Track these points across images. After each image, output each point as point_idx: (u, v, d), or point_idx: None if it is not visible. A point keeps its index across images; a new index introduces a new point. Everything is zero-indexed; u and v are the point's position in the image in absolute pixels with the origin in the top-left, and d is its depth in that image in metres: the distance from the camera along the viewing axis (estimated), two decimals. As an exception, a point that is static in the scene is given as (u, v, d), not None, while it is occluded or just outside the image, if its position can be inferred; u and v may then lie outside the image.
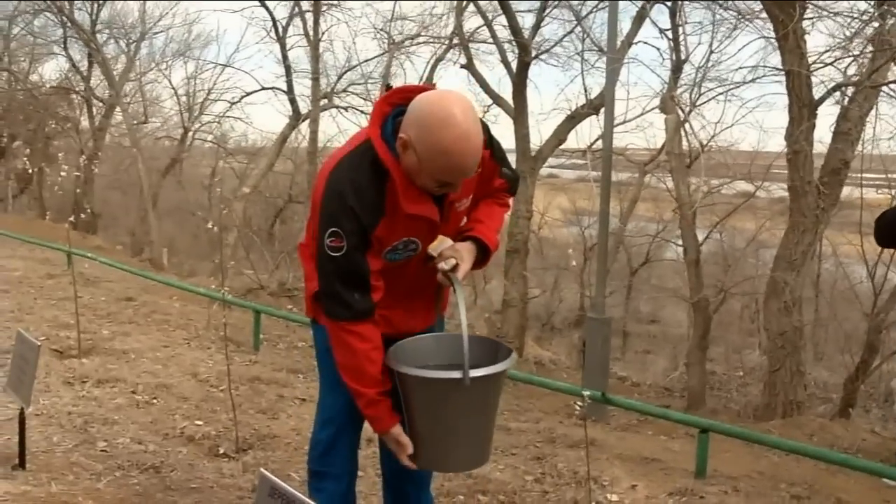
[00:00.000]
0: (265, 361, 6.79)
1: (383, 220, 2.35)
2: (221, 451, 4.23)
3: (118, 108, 20.74)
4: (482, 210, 2.62)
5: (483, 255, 2.56)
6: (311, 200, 2.52)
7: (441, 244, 2.51)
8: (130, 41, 21.08)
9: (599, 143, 8.62)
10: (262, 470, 2.08)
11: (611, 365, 9.38)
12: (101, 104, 21.31)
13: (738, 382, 10.76)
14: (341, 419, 2.61)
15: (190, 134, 22.15)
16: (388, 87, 2.43)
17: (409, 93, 2.36)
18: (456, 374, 2.28)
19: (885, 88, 7.92)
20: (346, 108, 17.65)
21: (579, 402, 3.10)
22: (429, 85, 2.37)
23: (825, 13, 8.23)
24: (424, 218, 2.40)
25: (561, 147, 12.26)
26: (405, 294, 2.58)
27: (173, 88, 22.28)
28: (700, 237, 10.32)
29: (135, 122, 21.11)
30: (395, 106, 2.39)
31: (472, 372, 2.28)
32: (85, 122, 21.67)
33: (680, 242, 10.55)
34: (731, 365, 12.00)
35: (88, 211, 14.60)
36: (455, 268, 2.46)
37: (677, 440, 6.39)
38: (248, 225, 19.14)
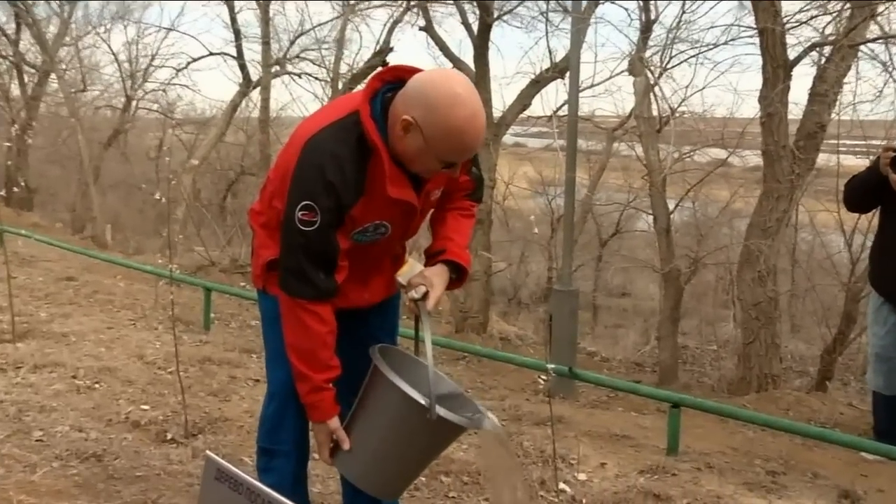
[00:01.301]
0: (216, 341, 6.74)
1: (361, 200, 2.35)
2: (169, 436, 4.18)
3: (53, 75, 20.27)
4: (450, 225, 2.64)
5: (458, 275, 2.58)
6: (276, 165, 2.50)
7: (411, 271, 2.54)
8: (63, 2, 20.52)
9: (565, 109, 8.59)
10: (207, 452, 2.05)
11: (579, 340, 9.42)
12: (33, 71, 20.78)
13: (711, 356, 10.87)
14: (289, 392, 2.59)
15: (133, 103, 21.70)
16: (384, 64, 2.44)
17: (403, 72, 2.36)
18: (422, 401, 2.30)
19: (864, 48, 7.95)
20: (299, 75, 17.42)
21: (543, 377, 3.09)
22: (418, 68, 2.36)
23: (800, -32, 8.23)
24: (404, 203, 2.41)
25: (525, 113, 12.23)
26: (364, 271, 2.58)
27: (113, 54, 21.85)
28: (671, 206, 10.36)
29: (72, 90, 20.63)
30: (385, 83, 2.38)
31: (442, 411, 2.31)
32: (16, 90, 21.11)
33: (650, 212, 10.59)
34: (705, 338, 12.12)
35: (23, 185, 14.30)
36: (425, 296, 2.47)
37: (648, 416, 6.45)
38: (198, 199, 18.91)
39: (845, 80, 7.80)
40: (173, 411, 4.49)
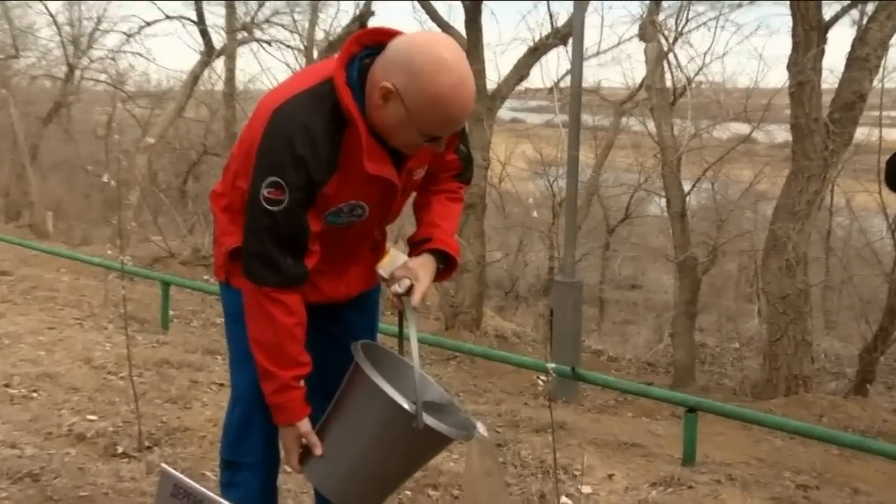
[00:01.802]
0: (175, 342, 6.72)
1: (335, 177, 2.33)
2: (120, 449, 4.16)
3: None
4: (436, 210, 2.63)
5: (446, 265, 2.57)
6: (241, 140, 2.48)
7: (393, 261, 2.52)
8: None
9: (568, 80, 8.59)
10: (163, 465, 2.03)
11: (584, 337, 9.45)
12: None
13: (733, 356, 10.91)
14: (255, 397, 2.57)
15: (77, 73, 21.34)
16: (363, 26, 2.40)
17: (384, 35, 2.33)
18: (408, 407, 2.30)
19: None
20: (269, 43, 17.37)
21: (543, 378, 3.08)
22: (400, 30, 2.33)
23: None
24: (383, 180, 2.39)
25: (523, 85, 12.22)
26: (339, 260, 2.58)
27: (51, 15, 21.63)
28: (686, 187, 10.37)
29: (1, 56, 20.41)
30: (364, 47, 2.35)
31: (430, 420, 2.31)
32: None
33: (663, 194, 10.60)
34: (725, 335, 12.16)
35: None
36: (410, 290, 2.46)
37: (661, 423, 6.47)
38: (154, 182, 18.85)
39: (891, 41, 7.72)
40: (125, 421, 4.45)
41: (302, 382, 2.46)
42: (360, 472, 2.47)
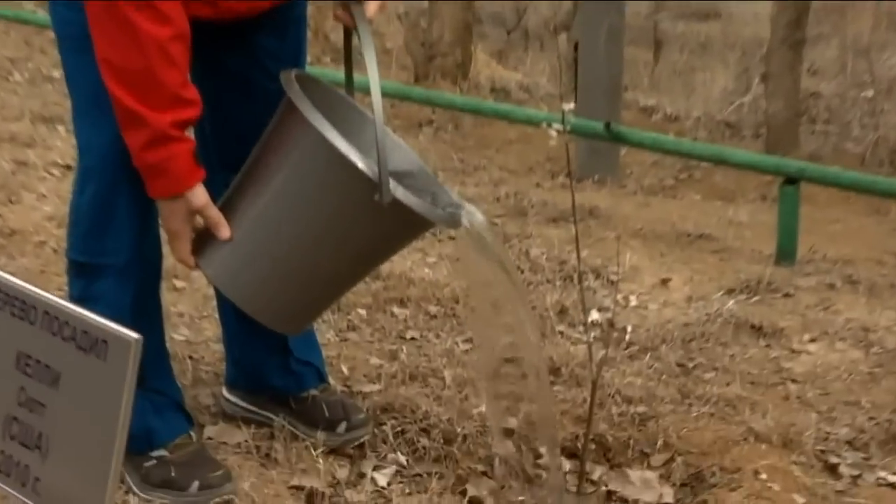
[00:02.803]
0: (-11, 105, 6.72)
1: None
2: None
3: None
4: None
5: None
6: None
7: None
8: None
9: None
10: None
11: (628, 87, 9.40)
12: None
13: (863, 109, 10.84)
14: (116, 163, 2.57)
15: None
16: None
17: None
18: (368, 172, 2.31)
19: None
20: None
21: (555, 128, 3.07)
22: None
23: None
24: None
25: None
26: None
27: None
28: None
29: None
30: None
31: (400, 192, 2.33)
32: None
33: None
34: (852, 78, 12.04)
35: None
36: None
37: (745, 206, 6.53)
38: None
39: None
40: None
41: (190, 133, 2.47)
42: (290, 267, 2.50)
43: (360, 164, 2.30)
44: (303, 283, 2.54)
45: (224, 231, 2.47)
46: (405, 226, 2.48)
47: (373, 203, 2.31)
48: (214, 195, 2.52)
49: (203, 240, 2.51)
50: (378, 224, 2.41)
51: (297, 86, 2.40)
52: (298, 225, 2.45)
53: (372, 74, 2.38)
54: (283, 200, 2.45)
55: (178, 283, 4.10)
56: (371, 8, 2.50)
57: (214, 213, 2.48)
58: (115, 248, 2.70)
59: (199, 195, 2.47)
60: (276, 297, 2.54)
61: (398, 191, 2.32)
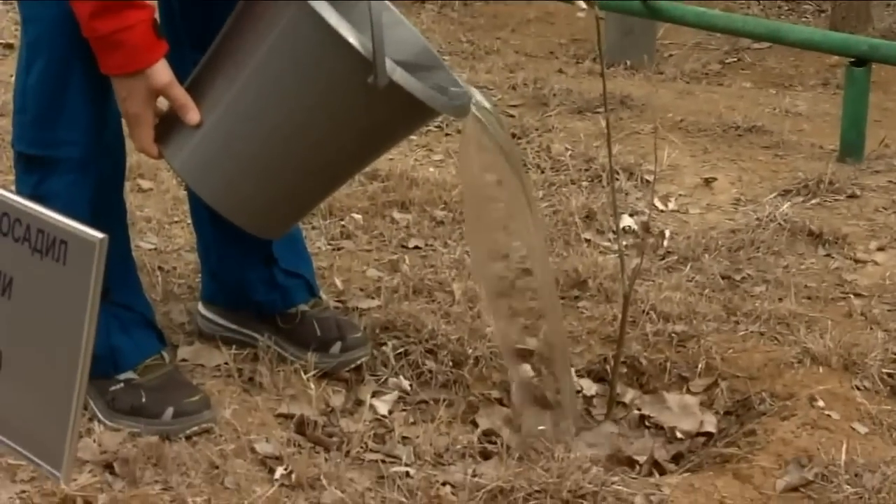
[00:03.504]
0: None
1: None
2: None
3: None
4: None
5: None
6: None
7: None
8: None
9: None
10: None
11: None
12: None
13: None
14: (66, 36, 2.57)
15: None
16: None
17: None
18: (361, 49, 2.30)
19: None
20: None
21: (583, 5, 3.06)
22: None
23: None
24: None
25: None
26: None
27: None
28: None
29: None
30: None
31: (399, 74, 2.32)
32: None
33: None
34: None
35: None
36: None
37: (804, 94, 6.47)
38: None
39: None
40: None
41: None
42: (269, 159, 2.52)
43: (351, 39, 2.30)
44: (285, 177, 2.56)
45: (192, 115, 2.48)
46: (404, 114, 2.50)
47: (366, 86, 2.31)
48: (181, 77, 2.52)
49: (168, 126, 2.52)
50: (372, 112, 2.42)
51: None
52: (279, 111, 2.46)
53: None
54: (261, 83, 2.46)
55: (145, 184, 4.09)
56: None
57: (180, 93, 2.49)
58: (69, 137, 2.71)
59: (161, 72, 2.48)
60: (254, 195, 2.56)
61: (396, 73, 2.32)
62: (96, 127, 2.72)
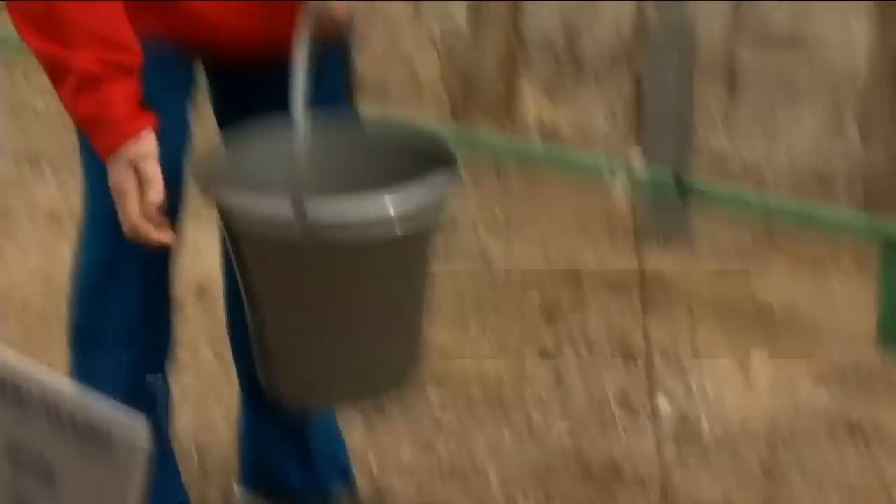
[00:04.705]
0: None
1: None
2: None
3: None
4: None
5: None
6: None
7: None
8: None
9: None
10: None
11: (699, 128, 9.39)
12: None
13: None
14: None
15: None
16: None
17: None
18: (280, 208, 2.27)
19: None
20: None
21: (620, 180, 3.10)
22: None
23: None
24: None
25: None
26: None
27: None
28: None
29: None
30: None
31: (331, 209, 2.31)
32: None
33: None
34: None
35: None
36: None
37: (840, 277, 6.49)
38: None
39: None
40: None
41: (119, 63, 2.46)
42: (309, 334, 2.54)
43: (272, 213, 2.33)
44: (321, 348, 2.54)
45: (153, 195, 2.47)
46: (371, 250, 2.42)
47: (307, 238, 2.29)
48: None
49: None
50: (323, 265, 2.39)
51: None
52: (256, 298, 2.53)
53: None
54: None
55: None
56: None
57: (152, 169, 2.47)
58: (113, 313, 2.78)
59: (144, 144, 2.48)
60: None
61: (327, 209, 2.30)
62: (143, 304, 2.80)
